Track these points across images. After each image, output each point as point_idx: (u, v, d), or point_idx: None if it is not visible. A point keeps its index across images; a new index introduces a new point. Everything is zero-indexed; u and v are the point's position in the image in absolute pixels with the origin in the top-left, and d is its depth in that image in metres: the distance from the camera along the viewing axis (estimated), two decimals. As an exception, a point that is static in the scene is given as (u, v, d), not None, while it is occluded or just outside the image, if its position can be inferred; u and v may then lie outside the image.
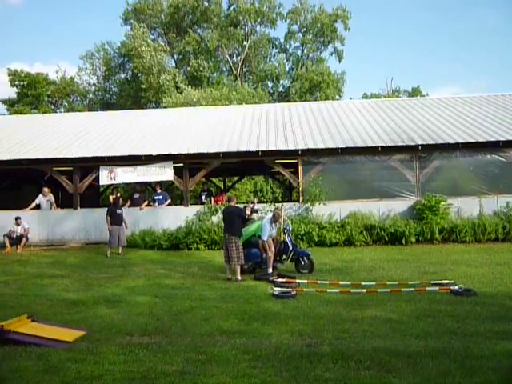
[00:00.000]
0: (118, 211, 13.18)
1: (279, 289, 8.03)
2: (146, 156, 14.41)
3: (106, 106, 38.76)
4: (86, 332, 5.82)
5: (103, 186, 18.65)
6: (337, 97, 35.51)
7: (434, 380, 4.05)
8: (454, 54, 69.15)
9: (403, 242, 13.05)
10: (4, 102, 40.34)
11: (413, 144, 13.90)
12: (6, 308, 7.35)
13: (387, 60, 68.50)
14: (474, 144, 13.87)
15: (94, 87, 42.25)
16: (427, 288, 7.75)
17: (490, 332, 5.38)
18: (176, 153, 14.39)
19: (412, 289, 7.75)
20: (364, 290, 7.81)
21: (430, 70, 67.77)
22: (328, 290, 7.87)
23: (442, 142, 13.95)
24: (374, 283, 8.32)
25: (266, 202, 15.68)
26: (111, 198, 14.56)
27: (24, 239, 14.23)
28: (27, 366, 4.68)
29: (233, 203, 10.08)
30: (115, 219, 12.98)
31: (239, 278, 9.30)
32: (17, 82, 39.28)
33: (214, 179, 25.80)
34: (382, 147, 13.87)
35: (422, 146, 13.85)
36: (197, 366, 4.53)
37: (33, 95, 39.31)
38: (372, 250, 12.58)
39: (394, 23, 68.60)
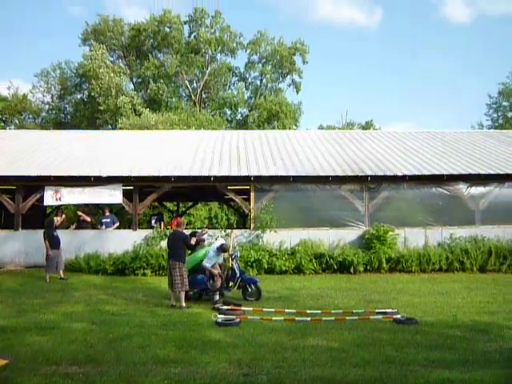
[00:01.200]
0: (56, 234, 12.61)
1: (223, 316, 7.83)
2: (94, 177, 13.99)
3: (60, 125, 37.75)
4: (9, 361, 5.40)
5: (51, 206, 17.90)
6: (294, 127, 36.19)
7: (367, 410, 3.98)
8: (407, 90, 72.53)
9: (352, 270, 13.15)
10: (-50, 116, 38.56)
11: (362, 174, 14.21)
12: None
13: (343, 94, 71.12)
14: (420, 177, 14.35)
15: (47, 106, 41.15)
16: (371, 317, 7.77)
17: (426, 360, 5.40)
18: (126, 175, 14.06)
19: (356, 317, 7.74)
20: (309, 318, 7.73)
21: (384, 106, 70.66)
22: (273, 318, 7.75)
23: (390, 173, 14.35)
24: (319, 311, 8.27)
25: (217, 229, 15.46)
26: (55, 219, 13.94)
27: (-42, 261, 13.36)
28: None
29: (180, 229, 9.86)
30: (53, 242, 12.40)
31: (183, 304, 9.03)
32: (-36, 97, 37.80)
33: (167, 204, 25.41)
34: (333, 177, 14.11)
35: (371, 176, 14.18)
36: (124, 398, 4.26)
37: (-19, 111, 37.85)
38: (321, 279, 12.59)
39: (350, 60, 71.51)
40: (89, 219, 14.69)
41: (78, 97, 40.03)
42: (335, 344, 6.21)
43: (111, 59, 38.49)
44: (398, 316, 7.69)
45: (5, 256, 14.09)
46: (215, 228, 17.40)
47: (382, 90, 71.98)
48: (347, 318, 7.71)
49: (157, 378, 4.81)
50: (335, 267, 13.29)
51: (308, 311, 8.24)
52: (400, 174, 14.30)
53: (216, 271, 9.44)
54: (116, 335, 6.75)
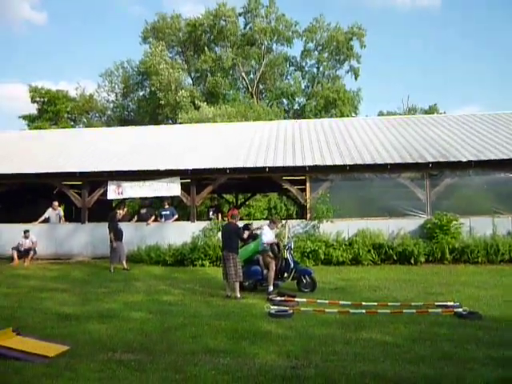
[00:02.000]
0: (119, 227, 13.15)
1: (276, 307, 7.81)
2: (153, 171, 14.42)
3: (124, 122, 39.27)
4: (70, 347, 5.69)
5: (117, 200, 18.67)
6: (352, 114, 35.33)
7: (417, 409, 3.79)
8: (472, 72, 68.53)
9: (412, 261, 12.67)
10: (24, 117, 41.24)
11: (423, 161, 13.59)
12: (1, 320, 7.29)
13: (404, 77, 68.17)
14: (487, 162, 13.50)
15: (112, 104, 42.98)
16: (430, 310, 7.42)
17: (487, 358, 5.06)
18: (183, 168, 14.37)
19: (414, 310, 7.43)
20: (364, 311, 7.52)
21: (449, 89, 67.19)
22: (326, 310, 7.62)
23: (453, 159, 13.62)
24: (375, 303, 8.02)
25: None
26: (118, 212, 14.54)
27: (32, 252, 14.30)
28: (1, 380, 4.56)
29: (233, 220, 9.93)
30: (117, 235, 12.94)
31: (238, 295, 9.10)
32: (37, 99, 40.21)
33: (227, 195, 25.74)
34: (392, 164, 13.61)
35: (432, 163, 13.53)
36: (172, 387, 4.34)
37: (52, 111, 40.12)
38: (379, 270, 12.24)
39: (411, 40, 68.49)
40: (151, 221, 14.97)
41: (140, 94, 41.42)
42: (389, 338, 5.98)
43: (170, 55, 39.46)
44: (460, 310, 7.29)
45: (73, 248, 14.91)
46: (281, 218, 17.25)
47: (446, 72, 68.37)
48: (404, 310, 7.41)
49: (205, 367, 4.86)
50: (395, 258, 12.86)
51: (363, 303, 8.02)
52: (464, 159, 13.53)
53: (271, 262, 9.45)
54: (170, 325, 6.91)
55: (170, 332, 6.48)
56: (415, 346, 5.59)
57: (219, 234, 13.77)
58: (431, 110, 38.35)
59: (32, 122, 40.19)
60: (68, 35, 69.75)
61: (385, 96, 70.13)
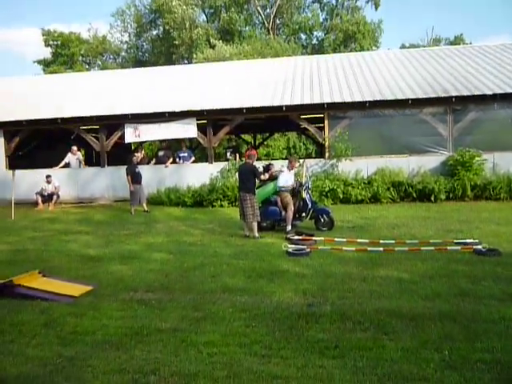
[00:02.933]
0: (137, 170, 13.23)
1: (293, 246, 7.88)
2: (169, 113, 14.27)
3: (139, 63, 38.55)
4: (94, 287, 5.89)
5: (137, 143, 18.69)
6: (373, 48, 33.88)
7: (431, 344, 3.84)
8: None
9: (432, 199, 12.52)
10: (39, 62, 40.88)
11: (446, 96, 13.06)
12: (27, 263, 7.57)
13: (429, 6, 64.21)
14: (513, 94, 12.91)
15: (126, 45, 42.06)
16: (448, 247, 7.39)
17: (504, 294, 5.05)
18: (199, 109, 14.17)
19: (432, 247, 7.41)
20: (381, 248, 7.54)
21: (476, 18, 63.30)
22: (344, 248, 7.66)
23: (478, 93, 13.04)
24: (393, 241, 8.03)
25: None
26: (136, 155, 14.61)
27: (55, 197, 14.62)
28: (29, 319, 4.78)
29: (250, 161, 9.82)
30: (135, 178, 13.06)
31: (256, 234, 9.21)
32: (51, 42, 39.62)
33: (245, 136, 25.52)
34: (413, 100, 13.14)
35: (456, 97, 13.00)
36: (191, 324, 4.48)
37: (67, 55, 39.66)
38: (398, 207, 12.16)
39: (438, -34, 63.93)
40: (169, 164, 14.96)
41: (154, 33, 40.27)
42: (406, 275, 6.01)
43: (182, -10, 37.86)
44: (479, 247, 7.23)
45: (95, 191, 15.18)
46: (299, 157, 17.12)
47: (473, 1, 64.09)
48: (422, 248, 7.41)
49: (223, 305, 4.99)
50: (414, 196, 12.73)
51: (381, 241, 8.03)
52: (489, 92, 12.96)
53: (289, 201, 9.45)
54: (190, 265, 7.07)
55: (189, 272, 6.64)
56: (431, 283, 5.60)
57: (237, 174, 13.84)
58: (456, 41, 36.41)
59: (47, 66, 39.88)
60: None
61: (408, 27, 66.32)
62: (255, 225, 9.28)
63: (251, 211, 9.22)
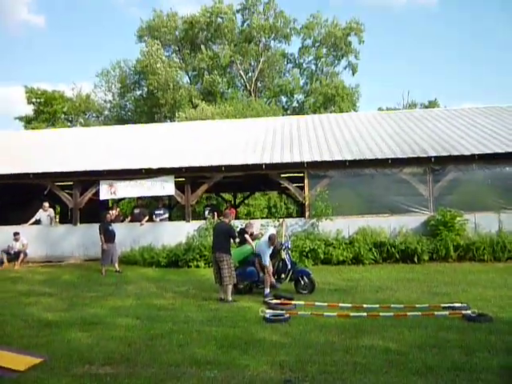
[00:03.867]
0: (110, 228, 12.67)
1: (271, 311, 7.32)
2: (146, 169, 13.94)
3: (122, 122, 38.76)
4: (44, 359, 5.21)
5: (113, 200, 18.17)
6: (352, 110, 34.83)
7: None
8: (473, 68, 67.94)
9: (415, 259, 12.17)
10: (21, 119, 40.79)
11: (425, 156, 13.09)
12: (-24, 329, 6.83)
13: (403, 73, 67.38)
14: (491, 155, 12.98)
15: (109, 104, 42.47)
16: (436, 312, 6.92)
17: (504, 368, 4.57)
18: (177, 166, 13.89)
19: (419, 313, 6.93)
20: (365, 314, 7.03)
21: (449, 85, 66.55)
22: (325, 314, 7.12)
23: (456, 153, 13.11)
24: (377, 306, 7.54)
25: (271, 218, 14.97)
26: (111, 212, 14.09)
27: (22, 255, 13.85)
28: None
29: (226, 220, 9.39)
30: (108, 236, 12.46)
31: (230, 298, 8.60)
32: (34, 100, 39.75)
33: (225, 195, 25.22)
34: (393, 159, 13.11)
35: (435, 157, 13.03)
36: (148, 407, 3.86)
37: (49, 112, 39.70)
38: (381, 269, 11.73)
39: (409, 36, 67.92)
40: (144, 222, 14.49)
41: (138, 93, 40.92)
42: (393, 345, 5.48)
43: (166, 54, 38.95)
44: (469, 312, 6.78)
45: (65, 250, 14.45)
46: (274, 217, 16.85)
47: (446, 69, 67.74)
48: (408, 313, 6.92)
49: (188, 382, 4.37)
50: (397, 256, 12.36)
51: (365, 305, 7.54)
52: (468, 153, 13.03)
53: (271, 268, 8.95)
54: (157, 332, 6.43)
55: (155, 340, 6.00)
56: (421, 354, 5.08)
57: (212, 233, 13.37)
58: (431, 105, 37.82)
59: (28, 123, 39.75)
60: (65, 37, 69.27)
61: (384, 93, 69.32)
62: (230, 288, 8.71)
63: (228, 273, 8.67)
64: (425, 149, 13.56)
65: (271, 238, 8.94)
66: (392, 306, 7.47)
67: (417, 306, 7.40)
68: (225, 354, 5.32)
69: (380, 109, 40.50)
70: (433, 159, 13.02)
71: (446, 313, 6.90)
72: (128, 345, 5.80)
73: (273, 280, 8.93)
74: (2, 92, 61.84)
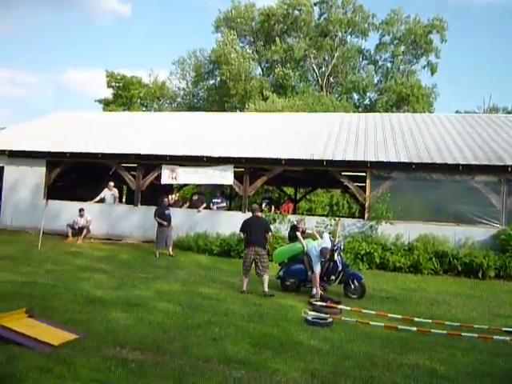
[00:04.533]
0: (167, 212, 12.86)
1: (314, 313, 7.01)
2: (207, 157, 14.01)
3: (193, 110, 39.57)
4: (79, 336, 5.27)
5: (177, 185, 18.47)
6: (426, 112, 33.16)
7: None
8: None
9: (480, 275, 11.28)
10: (100, 101, 42.83)
11: (502, 164, 12.06)
12: (27, 298, 7.11)
13: (486, 76, 63.09)
14: None
15: (182, 92, 43.50)
16: (495, 336, 6.28)
17: None
18: (237, 156, 13.83)
19: (475, 334, 6.33)
20: (414, 328, 6.53)
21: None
22: (371, 323, 6.70)
23: (538, 164, 11.97)
24: (430, 321, 6.99)
25: (328, 216, 14.52)
26: (169, 197, 14.34)
27: (85, 231, 14.42)
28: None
29: (259, 214, 9.58)
30: (163, 220, 12.68)
31: (267, 289, 8.82)
32: (113, 84, 41.53)
33: (286, 189, 24.97)
34: (464, 165, 12.19)
35: (512, 166, 11.98)
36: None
37: (126, 96, 41.28)
38: (440, 281, 11.00)
39: (494, 35, 63.34)
40: (201, 209, 14.57)
41: (211, 83, 41.52)
42: (441, 367, 5.00)
43: (241, 45, 39.23)
44: (533, 340, 6.10)
45: (125, 229, 14.88)
46: (335, 216, 16.39)
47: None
48: (463, 334, 6.34)
49: (212, 380, 4.21)
50: (459, 269, 11.53)
51: (416, 319, 7.01)
52: (551, 165, 11.86)
53: (318, 281, 8.63)
54: (195, 322, 6.35)
55: (191, 330, 5.91)
56: (472, 383, 4.58)
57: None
58: (515, 111, 35.20)
59: (107, 105, 41.61)
60: (147, 26, 71.86)
61: (464, 96, 65.47)
62: (267, 278, 8.91)
63: (266, 266, 8.97)
64: (501, 157, 12.50)
65: (323, 252, 8.62)
66: (446, 323, 6.89)
67: (474, 326, 6.77)
68: (257, 353, 5.11)
69: (458, 112, 38.26)
70: (510, 168, 11.95)
71: (507, 338, 6.24)
72: (163, 331, 5.76)
73: (319, 291, 8.60)
74: (86, 76, 65.51)
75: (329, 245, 8.83)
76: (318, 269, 8.64)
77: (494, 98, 68.94)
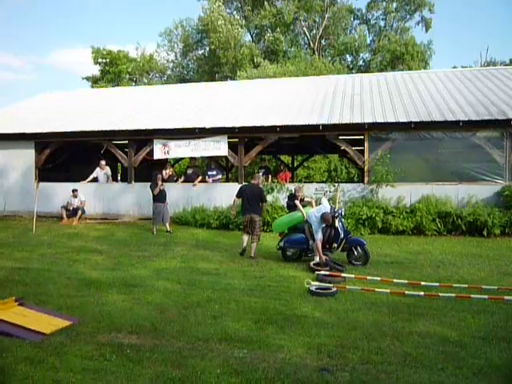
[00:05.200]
0: (161, 187, 12.51)
1: (317, 283, 6.77)
2: (199, 129, 13.56)
3: (184, 82, 38.68)
4: (74, 322, 5.02)
5: (173, 159, 18.03)
6: (422, 70, 32.41)
7: None
8: None
9: (485, 233, 11.04)
10: (88, 79, 41.82)
11: (503, 118, 11.65)
12: (20, 285, 6.93)
13: (483, 27, 61.40)
14: None
15: (171, 64, 42.47)
16: (506, 297, 6.06)
17: None
18: (230, 126, 13.38)
19: (486, 296, 6.11)
20: (422, 293, 6.30)
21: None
22: (377, 290, 6.47)
23: (541, 115, 11.58)
24: (437, 284, 6.77)
25: (326, 183, 14.21)
26: (163, 172, 13.96)
27: (80, 211, 14.13)
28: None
29: (255, 182, 9.68)
30: (158, 196, 12.35)
31: (254, 254, 9.17)
32: (99, 60, 40.46)
33: (283, 157, 24.60)
34: (465, 122, 11.78)
35: (514, 120, 11.57)
36: (162, 388, 3.48)
37: (114, 72, 40.26)
38: (445, 242, 10.75)
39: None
40: (197, 182, 14.21)
41: (200, 52, 40.46)
42: (452, 333, 4.77)
43: (228, 11, 37.97)
44: (546, 298, 5.88)
45: (120, 208, 14.59)
46: (334, 181, 16.09)
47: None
48: (473, 295, 6.11)
49: (213, 362, 3.96)
50: (463, 228, 11.29)
51: (423, 283, 6.79)
52: (554, 116, 11.47)
53: (320, 249, 8.31)
54: (194, 299, 6.11)
55: (190, 309, 5.66)
56: (486, 348, 4.35)
57: (268, 196, 12.79)
58: (513, 64, 34.36)
59: (95, 82, 40.67)
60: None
61: (460, 52, 63.95)
62: (256, 245, 9.27)
63: (258, 231, 9.31)
64: (503, 110, 12.08)
65: (324, 217, 8.26)
66: (454, 285, 6.67)
67: (483, 287, 6.55)
68: (260, 330, 4.87)
69: (455, 67, 37.49)
70: (512, 122, 11.57)
71: (519, 298, 6.02)
72: (161, 312, 5.51)
73: (322, 259, 8.30)
74: (72, 55, 63.90)
75: (328, 209, 8.54)
76: (319, 236, 8.34)
77: (492, 51, 67.62)
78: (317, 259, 8.42)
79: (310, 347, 4.37)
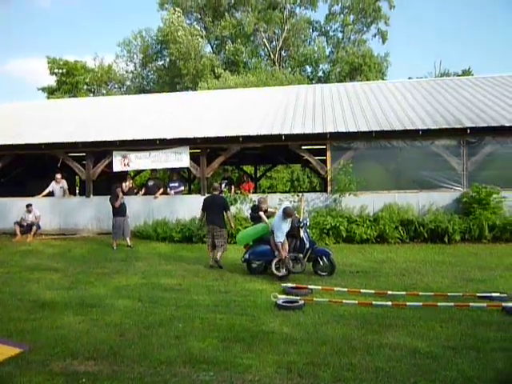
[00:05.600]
0: (122, 200, 12.09)
1: (284, 297, 6.61)
2: (159, 140, 13.24)
3: (144, 92, 38.08)
4: (25, 349, 4.64)
5: (133, 172, 17.52)
6: (380, 81, 33.19)
7: None
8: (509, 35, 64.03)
9: (446, 240, 11.22)
10: (44, 89, 40.56)
11: (460, 127, 11.94)
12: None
13: (436, 41, 63.80)
14: (534, 127, 11.76)
15: (131, 75, 41.80)
16: (471, 303, 6.07)
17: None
18: (191, 137, 13.13)
19: (452, 303, 6.10)
20: (389, 303, 6.24)
21: (484, 54, 63.03)
22: (344, 301, 6.36)
23: (495, 124, 11.91)
24: (403, 293, 6.74)
25: (289, 193, 14.17)
26: (123, 185, 13.53)
27: (35, 227, 13.51)
28: None
29: (216, 192, 9.83)
30: (119, 209, 11.91)
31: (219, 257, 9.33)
32: (56, 70, 39.34)
33: (245, 167, 24.49)
34: (424, 131, 12.02)
35: (471, 129, 11.85)
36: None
37: (71, 83, 39.24)
38: (408, 249, 10.85)
39: (445, 3, 64.22)
40: (158, 195, 13.84)
41: (160, 63, 40.02)
42: (422, 344, 4.69)
43: (188, 22, 37.81)
44: (510, 304, 5.92)
45: (79, 223, 14.05)
46: (297, 191, 16.06)
47: (481, 36, 63.91)
48: (439, 303, 6.10)
49: (177, 388, 3.71)
50: (425, 236, 11.45)
51: (389, 292, 6.75)
52: (508, 124, 11.83)
53: (284, 253, 8.13)
54: (156, 318, 5.80)
55: (152, 329, 5.36)
56: (457, 359, 4.28)
57: (231, 208, 12.59)
58: (465, 75, 35.70)
59: (51, 93, 39.48)
60: (90, 9, 68.35)
61: (415, 63, 66.24)
62: (220, 254, 9.36)
63: (223, 242, 9.40)
64: (460, 119, 12.40)
65: (286, 211, 8.09)
66: (421, 293, 6.65)
67: (449, 294, 6.56)
68: (226, 349, 4.63)
69: (410, 79, 38.63)
70: (469, 130, 11.84)
71: (484, 304, 6.04)
72: (120, 334, 5.19)
73: (289, 261, 8.15)
74: (29, 64, 61.96)
75: (290, 205, 8.56)
76: (280, 237, 8.01)
77: (445, 63, 70.36)
78: (282, 271, 8.26)
79: (279, 366, 4.18)
